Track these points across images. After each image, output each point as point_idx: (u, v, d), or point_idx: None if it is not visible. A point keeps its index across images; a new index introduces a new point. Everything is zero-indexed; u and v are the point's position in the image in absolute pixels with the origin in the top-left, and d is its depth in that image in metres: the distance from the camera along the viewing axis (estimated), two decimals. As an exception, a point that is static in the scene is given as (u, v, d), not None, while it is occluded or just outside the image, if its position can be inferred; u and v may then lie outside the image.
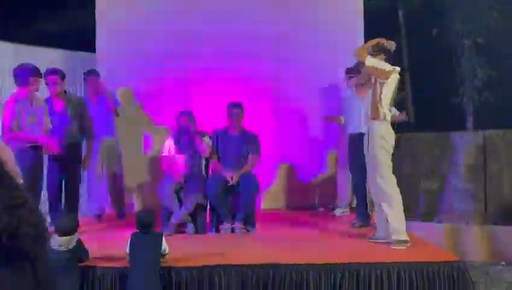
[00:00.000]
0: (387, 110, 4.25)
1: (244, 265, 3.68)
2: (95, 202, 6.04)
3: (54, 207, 5.27)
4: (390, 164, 4.26)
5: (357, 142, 4.95)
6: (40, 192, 4.89)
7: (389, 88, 4.26)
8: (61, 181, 5.31)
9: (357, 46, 6.46)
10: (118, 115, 6.00)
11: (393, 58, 4.40)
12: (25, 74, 4.72)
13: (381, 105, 4.23)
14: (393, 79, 4.27)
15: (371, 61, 4.20)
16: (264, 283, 3.63)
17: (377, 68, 4.20)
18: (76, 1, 9.47)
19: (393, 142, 4.28)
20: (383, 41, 4.36)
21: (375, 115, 4.25)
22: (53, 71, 5.22)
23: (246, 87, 6.52)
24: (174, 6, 6.74)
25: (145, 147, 6.71)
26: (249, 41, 6.62)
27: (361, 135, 4.74)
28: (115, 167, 6.05)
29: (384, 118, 4.24)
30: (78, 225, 3.76)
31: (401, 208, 4.23)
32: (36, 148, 4.72)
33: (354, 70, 5.70)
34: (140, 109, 6.79)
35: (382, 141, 4.23)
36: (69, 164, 5.27)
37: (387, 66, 4.22)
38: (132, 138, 6.50)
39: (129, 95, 6.73)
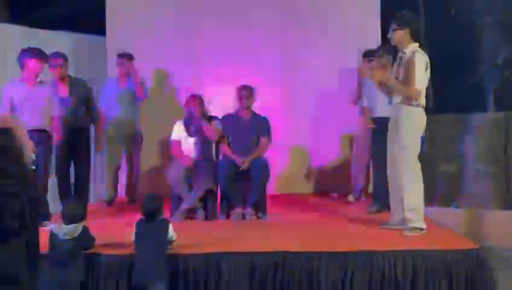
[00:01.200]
0: (422, 95, 4.08)
1: (253, 252, 3.58)
2: (107, 186, 5.99)
3: (63, 193, 5.23)
4: (418, 150, 4.09)
5: (382, 126, 4.77)
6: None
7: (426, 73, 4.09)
8: (69, 167, 5.27)
9: (373, 27, 6.35)
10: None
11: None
12: (21, 57, 4.66)
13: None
14: (421, 62, 4.05)
15: (420, 83, 4.02)
16: (273, 270, 3.53)
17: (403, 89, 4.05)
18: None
19: (424, 128, 4.12)
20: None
21: (407, 100, 4.07)
22: (56, 54, 5.15)
23: (257, 69, 6.37)
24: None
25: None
26: (260, 24, 6.50)
27: (380, 118, 4.58)
28: (134, 151, 5.98)
29: (418, 104, 4.06)
30: (85, 213, 3.70)
31: (422, 195, 4.08)
32: (41, 131, 4.64)
33: (373, 53, 5.55)
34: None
35: (414, 127, 4.08)
36: (77, 149, 5.22)
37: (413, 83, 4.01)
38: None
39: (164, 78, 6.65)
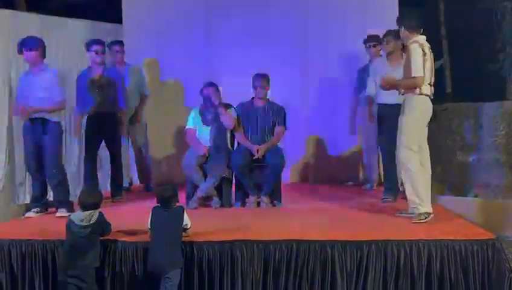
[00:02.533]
0: (426, 84, 4.14)
1: (267, 241, 3.59)
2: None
3: (89, 177, 5.33)
4: (421, 137, 4.15)
5: (392, 112, 4.74)
6: None
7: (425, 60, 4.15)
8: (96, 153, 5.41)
9: (392, 16, 6.25)
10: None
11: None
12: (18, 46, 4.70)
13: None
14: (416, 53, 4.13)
15: (418, 72, 4.10)
16: (287, 259, 3.54)
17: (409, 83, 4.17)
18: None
19: (429, 117, 4.20)
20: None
21: (411, 89, 4.15)
22: (97, 41, 5.31)
23: (273, 59, 6.34)
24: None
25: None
26: (277, 12, 6.48)
27: (394, 105, 4.55)
28: (141, 139, 6.02)
29: (421, 92, 4.11)
30: (100, 201, 3.75)
31: (420, 181, 4.09)
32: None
33: (374, 38, 5.61)
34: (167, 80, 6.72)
35: (418, 115, 4.15)
36: (109, 134, 5.33)
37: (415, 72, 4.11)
38: (158, 110, 6.43)
39: (155, 67, 6.65)
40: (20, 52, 4.66)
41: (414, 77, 4.09)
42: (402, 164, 4.16)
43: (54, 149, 4.63)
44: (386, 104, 4.98)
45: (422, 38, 4.20)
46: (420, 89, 4.10)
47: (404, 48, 4.43)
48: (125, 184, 6.03)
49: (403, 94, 4.27)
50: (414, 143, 4.12)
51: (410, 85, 4.15)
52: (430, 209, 4.06)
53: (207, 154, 5.00)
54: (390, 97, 4.75)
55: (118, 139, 5.51)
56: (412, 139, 4.13)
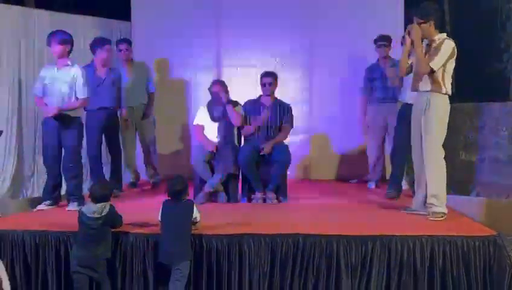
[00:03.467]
0: (449, 84, 4.16)
1: (274, 234, 3.68)
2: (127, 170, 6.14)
3: (95, 172, 5.43)
4: (444, 138, 4.16)
5: (407, 111, 4.82)
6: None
7: (452, 62, 4.17)
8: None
9: (397, 14, 6.33)
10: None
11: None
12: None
13: (444, 78, 4.12)
14: (447, 50, 4.12)
15: (436, 65, 4.08)
16: (294, 253, 3.63)
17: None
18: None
19: (448, 116, 4.20)
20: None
21: (436, 87, 4.13)
22: (105, 40, 5.45)
23: (280, 57, 6.43)
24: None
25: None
26: (282, 10, 6.54)
27: (408, 105, 4.62)
28: (149, 135, 6.12)
29: (446, 92, 4.14)
30: (111, 193, 3.84)
31: (445, 181, 4.15)
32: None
33: (386, 39, 5.63)
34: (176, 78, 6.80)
35: (443, 114, 4.14)
36: (109, 131, 5.50)
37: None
38: (166, 106, 6.52)
39: (164, 65, 6.74)
40: (48, 44, 4.74)
41: (429, 64, 4.04)
42: (431, 164, 4.12)
43: (73, 143, 4.73)
44: (406, 104, 4.95)
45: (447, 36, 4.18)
46: (446, 88, 4.12)
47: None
48: (130, 179, 6.12)
49: (415, 89, 4.24)
50: (442, 142, 4.13)
51: (420, 64, 4.09)
52: (446, 210, 4.14)
53: (214, 151, 5.09)
54: (409, 96, 4.76)
55: (117, 135, 5.68)
56: (441, 139, 4.12)
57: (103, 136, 5.52)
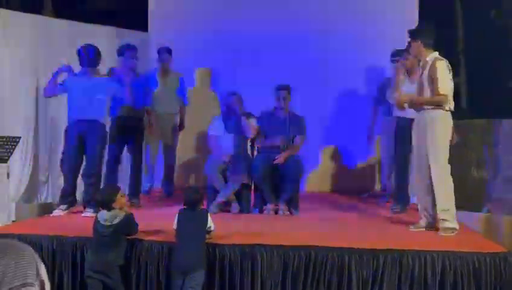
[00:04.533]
0: (452, 100, 4.22)
1: (286, 246, 3.72)
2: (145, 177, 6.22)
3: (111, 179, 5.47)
4: (448, 152, 4.21)
5: (407, 128, 4.87)
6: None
7: (451, 78, 4.25)
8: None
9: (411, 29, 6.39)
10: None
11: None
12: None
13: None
14: (443, 68, 4.19)
15: (445, 89, 4.14)
16: (306, 264, 3.66)
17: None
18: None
19: (451, 131, 4.26)
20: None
21: (436, 105, 4.19)
22: (132, 47, 5.54)
23: (294, 70, 6.50)
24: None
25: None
26: (298, 22, 6.62)
27: (411, 119, 4.67)
28: (170, 143, 6.19)
29: (450, 108, 4.20)
30: (112, 200, 3.87)
31: (453, 195, 4.18)
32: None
33: (399, 54, 5.62)
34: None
35: (446, 130, 4.19)
36: (132, 138, 5.54)
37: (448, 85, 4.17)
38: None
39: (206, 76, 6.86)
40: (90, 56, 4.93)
41: (441, 94, 4.12)
42: (440, 182, 4.15)
43: (97, 149, 4.83)
44: (404, 117, 5.02)
45: (438, 55, 4.25)
46: (450, 104, 4.17)
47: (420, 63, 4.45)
48: (146, 188, 6.18)
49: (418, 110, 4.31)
50: (447, 157, 4.17)
51: (436, 102, 4.17)
52: (457, 226, 4.18)
53: (228, 161, 5.15)
54: (408, 111, 4.85)
55: (141, 144, 5.67)
56: (447, 154, 4.17)
57: (125, 142, 5.53)
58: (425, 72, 4.25)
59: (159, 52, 6.19)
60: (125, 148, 5.56)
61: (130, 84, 5.22)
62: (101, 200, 3.76)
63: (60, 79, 5.00)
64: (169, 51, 6.16)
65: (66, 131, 5.00)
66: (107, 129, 5.11)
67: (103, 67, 5.64)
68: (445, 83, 4.14)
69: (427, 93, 4.23)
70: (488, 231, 5.11)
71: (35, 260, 1.34)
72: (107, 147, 5.17)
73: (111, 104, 5.33)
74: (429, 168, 4.20)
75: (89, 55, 4.91)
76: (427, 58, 4.26)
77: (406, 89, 5.15)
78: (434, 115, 4.19)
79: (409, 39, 4.33)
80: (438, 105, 4.17)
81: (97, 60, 4.96)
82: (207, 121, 5.71)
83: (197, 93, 6.76)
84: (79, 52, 4.93)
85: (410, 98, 4.37)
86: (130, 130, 5.43)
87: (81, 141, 4.83)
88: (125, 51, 5.46)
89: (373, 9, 6.63)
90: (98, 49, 4.96)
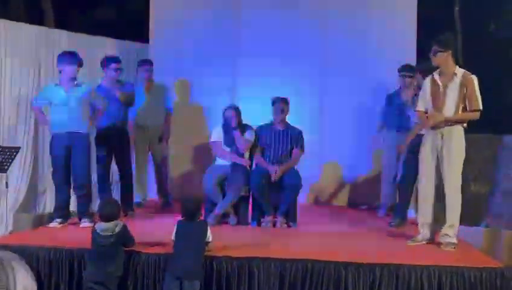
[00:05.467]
0: None
1: (283, 259, 3.72)
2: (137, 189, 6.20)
3: (103, 190, 5.49)
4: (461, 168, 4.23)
5: (415, 142, 4.88)
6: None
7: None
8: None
9: (410, 42, 6.44)
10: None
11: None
12: (58, 61, 4.98)
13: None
14: (477, 83, 4.23)
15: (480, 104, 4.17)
16: (303, 277, 3.66)
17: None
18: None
19: None
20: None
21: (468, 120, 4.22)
22: (115, 59, 5.55)
23: (292, 83, 6.53)
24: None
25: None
26: (297, 38, 6.65)
27: (420, 136, 4.69)
28: (161, 155, 6.19)
29: (466, 125, 4.23)
30: (119, 211, 3.93)
31: (459, 212, 4.21)
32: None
33: (412, 70, 5.60)
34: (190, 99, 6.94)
35: (463, 145, 4.21)
36: (117, 148, 5.50)
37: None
38: (178, 126, 6.62)
39: (178, 86, 6.88)
40: (65, 64, 4.89)
41: (479, 110, 4.14)
42: (455, 194, 4.17)
43: (83, 160, 4.84)
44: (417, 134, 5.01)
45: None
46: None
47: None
48: (139, 199, 6.16)
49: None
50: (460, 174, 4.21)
51: (472, 118, 4.18)
52: (457, 241, 4.20)
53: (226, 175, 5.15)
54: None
55: (128, 154, 5.66)
56: (461, 170, 4.20)
57: (113, 154, 5.55)
58: (453, 85, 4.19)
59: (140, 64, 6.21)
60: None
61: (113, 95, 5.27)
62: (106, 215, 3.76)
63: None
64: (151, 63, 6.21)
65: (51, 142, 4.99)
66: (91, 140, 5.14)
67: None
68: (479, 98, 4.15)
69: (451, 104, 4.17)
70: (486, 246, 5.09)
71: (7, 268, 1.35)
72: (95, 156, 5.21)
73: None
74: (438, 182, 4.23)
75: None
76: (456, 71, 4.22)
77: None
78: (453, 131, 4.19)
79: (437, 49, 4.22)
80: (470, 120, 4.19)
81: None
82: (200, 132, 5.74)
83: (186, 104, 6.77)
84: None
85: (441, 119, 4.20)
86: (113, 141, 5.41)
87: (67, 152, 4.84)
88: (108, 62, 5.46)
89: (373, 21, 6.64)
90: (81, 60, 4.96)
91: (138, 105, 5.97)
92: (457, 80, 4.19)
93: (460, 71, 4.23)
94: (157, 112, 6.11)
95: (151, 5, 7.03)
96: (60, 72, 4.91)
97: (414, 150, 5.07)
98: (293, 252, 3.87)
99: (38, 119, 5.34)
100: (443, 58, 4.22)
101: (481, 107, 4.15)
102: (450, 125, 4.19)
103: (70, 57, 4.87)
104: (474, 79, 4.17)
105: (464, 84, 4.15)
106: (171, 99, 6.37)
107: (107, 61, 5.50)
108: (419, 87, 5.13)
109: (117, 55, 5.70)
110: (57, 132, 4.86)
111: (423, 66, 5.20)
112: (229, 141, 5.29)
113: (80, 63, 4.92)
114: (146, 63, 6.20)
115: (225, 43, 6.77)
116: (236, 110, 5.32)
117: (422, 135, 4.61)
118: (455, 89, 4.18)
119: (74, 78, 4.90)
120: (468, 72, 4.23)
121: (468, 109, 4.16)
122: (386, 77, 6.25)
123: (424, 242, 4.31)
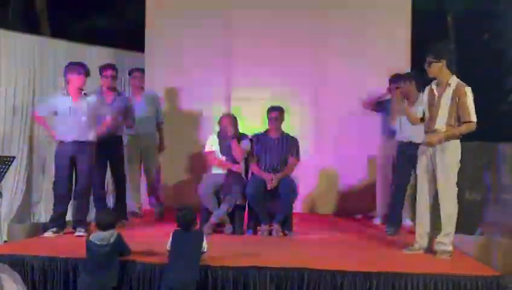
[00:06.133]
0: None
1: (279, 268, 3.72)
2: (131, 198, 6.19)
3: (99, 200, 5.45)
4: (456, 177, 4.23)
5: (409, 150, 4.90)
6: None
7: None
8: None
9: (402, 50, 6.47)
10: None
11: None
12: (65, 72, 4.97)
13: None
14: (471, 94, 4.21)
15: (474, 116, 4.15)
16: (299, 286, 3.65)
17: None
18: (127, 1, 9.73)
19: None
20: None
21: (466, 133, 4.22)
22: (110, 65, 5.51)
23: (288, 90, 6.55)
24: (221, 6, 6.85)
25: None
26: (290, 46, 6.67)
27: (412, 143, 4.67)
28: (153, 164, 6.20)
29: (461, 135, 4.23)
30: (117, 220, 3.92)
31: (455, 221, 4.21)
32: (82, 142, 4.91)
33: (400, 80, 5.64)
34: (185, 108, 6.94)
35: (458, 155, 4.21)
36: (114, 158, 5.46)
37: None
38: (172, 136, 6.62)
39: (173, 95, 6.89)
40: (72, 74, 4.90)
41: (472, 122, 4.12)
42: (450, 203, 4.17)
43: (88, 169, 4.84)
44: (410, 142, 5.02)
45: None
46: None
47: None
48: (133, 209, 6.13)
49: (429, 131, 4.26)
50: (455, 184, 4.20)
51: (467, 131, 4.16)
52: (452, 249, 4.20)
53: (222, 183, 5.15)
54: (413, 136, 4.86)
55: (122, 163, 5.66)
56: (456, 179, 4.20)
57: (108, 163, 5.54)
58: (446, 95, 4.20)
59: (131, 72, 6.24)
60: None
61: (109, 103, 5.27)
62: (103, 224, 3.75)
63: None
64: (142, 71, 6.23)
65: (56, 152, 4.98)
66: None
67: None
68: (473, 109, 4.14)
69: (443, 114, 4.18)
70: (481, 254, 5.10)
71: None
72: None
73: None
74: (435, 193, 4.23)
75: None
76: (450, 81, 4.22)
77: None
78: (447, 143, 4.19)
79: (431, 59, 4.24)
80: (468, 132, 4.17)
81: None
82: (195, 140, 5.74)
83: (181, 113, 6.77)
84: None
85: (440, 138, 4.18)
86: (109, 150, 5.39)
87: (72, 161, 4.83)
88: (102, 70, 5.49)
89: (367, 31, 6.67)
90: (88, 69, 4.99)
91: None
92: (450, 90, 4.20)
93: (454, 81, 4.23)
94: (148, 121, 6.11)
95: (147, 14, 7.06)
96: (68, 82, 4.91)
97: (405, 159, 5.13)
98: (289, 261, 3.85)
99: (44, 128, 5.30)
100: (437, 68, 4.24)
101: (474, 119, 4.13)
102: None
103: (78, 68, 4.89)
104: (467, 90, 4.16)
105: (457, 95, 4.16)
106: (160, 108, 6.36)
107: (101, 69, 5.53)
108: (404, 95, 5.28)
109: (113, 63, 5.69)
110: (63, 141, 4.86)
111: (408, 74, 5.26)
112: (225, 149, 5.29)
113: (87, 73, 4.94)
114: (137, 71, 6.23)
115: (218, 52, 6.79)
116: (232, 119, 5.33)
117: (412, 142, 4.65)
118: (448, 99, 4.19)
119: (81, 88, 4.92)
120: (462, 83, 4.22)
121: (461, 120, 4.16)
122: (381, 86, 6.27)
123: (422, 251, 4.31)
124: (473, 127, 4.17)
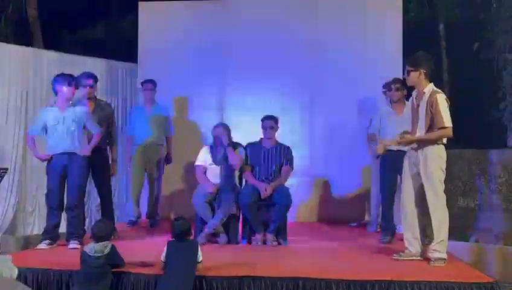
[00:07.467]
0: None
1: (274, 277, 3.71)
2: (130, 208, 6.19)
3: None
4: (443, 185, 4.21)
5: (394, 159, 4.92)
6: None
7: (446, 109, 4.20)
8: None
9: (395, 59, 6.51)
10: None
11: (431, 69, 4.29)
12: (54, 83, 4.91)
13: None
14: (443, 101, 4.18)
15: (448, 122, 4.12)
16: (294, 296, 3.65)
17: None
18: (119, 12, 9.77)
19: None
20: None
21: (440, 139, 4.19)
22: (89, 75, 5.39)
23: (281, 101, 6.58)
24: (213, 16, 6.90)
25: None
26: (285, 53, 6.71)
27: (399, 152, 4.71)
28: (156, 174, 6.18)
29: (443, 141, 4.21)
30: (112, 232, 3.90)
31: (447, 227, 4.19)
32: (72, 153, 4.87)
33: (387, 86, 5.69)
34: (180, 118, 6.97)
35: (441, 162, 4.18)
36: (98, 169, 5.34)
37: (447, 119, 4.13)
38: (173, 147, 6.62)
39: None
40: (60, 85, 4.83)
41: (446, 128, 4.08)
42: (438, 211, 4.14)
43: (79, 181, 4.81)
44: (390, 150, 5.02)
45: (434, 86, 4.22)
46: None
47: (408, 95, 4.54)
48: (132, 218, 6.15)
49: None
50: (443, 190, 4.17)
51: (441, 136, 4.13)
52: (446, 256, 4.20)
53: (215, 192, 5.15)
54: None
55: (108, 176, 5.49)
56: (443, 186, 4.16)
57: (93, 176, 5.38)
58: (423, 104, 4.19)
59: (143, 84, 6.27)
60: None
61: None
62: (99, 235, 3.73)
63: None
64: (153, 83, 6.23)
65: (48, 164, 4.93)
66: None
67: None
68: (447, 114, 4.11)
69: (422, 125, 4.18)
70: (475, 261, 5.12)
71: None
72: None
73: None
74: (424, 199, 4.22)
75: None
76: (425, 90, 4.21)
77: (393, 120, 5.23)
78: (429, 151, 4.17)
79: (409, 68, 4.24)
80: (442, 139, 4.14)
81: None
82: (190, 150, 5.75)
83: (176, 123, 6.81)
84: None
85: (410, 139, 4.22)
86: (94, 162, 5.16)
87: (64, 172, 4.81)
88: (81, 80, 5.29)
89: (361, 40, 6.72)
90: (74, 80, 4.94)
91: (139, 124, 6.06)
92: (425, 98, 4.19)
93: (429, 90, 4.20)
94: (156, 133, 6.13)
95: (140, 25, 7.08)
96: (56, 93, 4.87)
97: (389, 167, 5.17)
98: (283, 270, 3.85)
99: (30, 149, 5.17)
100: (415, 77, 4.23)
101: (447, 124, 4.08)
102: (425, 145, 4.18)
103: (67, 79, 4.85)
104: (439, 97, 4.12)
105: (430, 102, 4.14)
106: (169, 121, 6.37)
107: (80, 79, 5.28)
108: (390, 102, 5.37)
109: (91, 72, 5.50)
110: (54, 152, 4.82)
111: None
112: (219, 159, 5.29)
113: (76, 85, 4.92)
114: (149, 82, 6.21)
115: (211, 62, 6.82)
116: (226, 128, 5.34)
117: (396, 151, 4.67)
118: (423, 107, 4.19)
119: (70, 99, 4.88)
120: (436, 90, 4.20)
121: (435, 126, 4.13)
122: (374, 95, 6.32)
123: (414, 258, 4.31)
124: (448, 132, 4.12)
